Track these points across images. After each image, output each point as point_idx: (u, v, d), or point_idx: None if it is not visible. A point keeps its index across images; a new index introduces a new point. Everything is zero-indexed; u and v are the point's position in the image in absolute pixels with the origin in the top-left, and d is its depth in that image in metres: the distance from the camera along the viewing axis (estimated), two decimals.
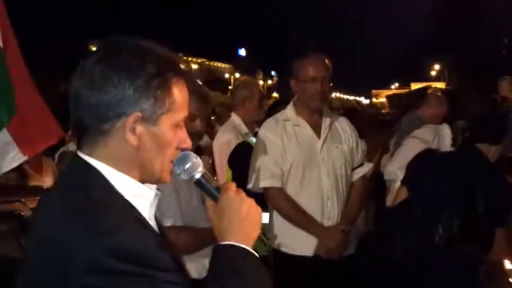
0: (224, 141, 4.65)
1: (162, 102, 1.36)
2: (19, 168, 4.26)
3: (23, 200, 3.97)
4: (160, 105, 1.36)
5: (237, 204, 1.46)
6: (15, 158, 3.22)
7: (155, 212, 1.50)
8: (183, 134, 1.44)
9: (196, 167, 1.51)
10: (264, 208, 3.57)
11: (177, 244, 2.39)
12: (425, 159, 3.30)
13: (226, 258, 1.41)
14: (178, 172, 1.50)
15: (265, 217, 3.69)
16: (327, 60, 3.59)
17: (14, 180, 4.52)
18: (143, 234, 1.31)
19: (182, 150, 1.48)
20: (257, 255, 1.44)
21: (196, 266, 2.46)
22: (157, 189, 1.50)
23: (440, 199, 3.02)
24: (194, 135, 2.95)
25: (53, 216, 1.31)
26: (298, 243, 3.47)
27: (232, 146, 4.41)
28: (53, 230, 1.28)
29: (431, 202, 3.03)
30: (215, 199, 1.50)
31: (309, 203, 3.47)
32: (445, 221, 2.95)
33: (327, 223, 3.47)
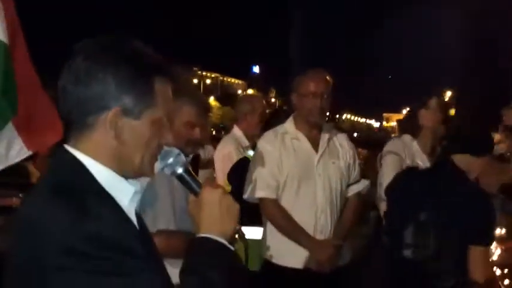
0: (225, 153, 4.72)
1: (143, 98, 1.42)
2: (21, 166, 4.31)
3: (20, 195, 4.04)
4: (142, 100, 1.42)
5: (216, 199, 1.53)
6: (20, 152, 3.28)
7: (140, 210, 1.54)
8: (165, 130, 1.49)
9: (179, 162, 1.58)
10: (259, 223, 3.65)
11: (168, 247, 2.44)
12: (403, 178, 3.28)
13: (204, 251, 1.48)
14: (161, 167, 1.56)
15: (259, 232, 3.73)
16: (328, 77, 3.65)
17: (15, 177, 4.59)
18: (120, 224, 1.36)
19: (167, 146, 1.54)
20: (233, 248, 1.51)
21: None
22: (149, 190, 1.56)
23: (413, 217, 2.98)
24: (192, 143, 3.01)
25: (34, 201, 1.37)
26: (290, 255, 3.51)
27: (233, 158, 4.47)
28: (32, 214, 1.33)
29: (404, 220, 3.01)
30: (196, 194, 1.57)
31: (302, 216, 3.50)
32: (418, 239, 2.93)
33: (319, 237, 3.51)
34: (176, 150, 1.58)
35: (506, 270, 3.45)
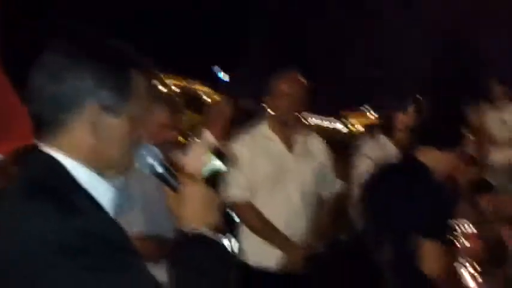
0: (196, 160, 4.66)
1: (120, 94, 1.37)
2: None
3: None
4: (119, 96, 1.37)
5: (198, 193, 1.55)
6: None
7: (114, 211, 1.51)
8: (142, 128, 1.45)
9: (156, 159, 1.55)
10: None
11: (141, 250, 2.39)
12: (373, 176, 3.25)
13: (194, 245, 1.49)
14: (138, 164, 1.52)
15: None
16: (301, 78, 3.64)
17: None
18: (107, 221, 1.32)
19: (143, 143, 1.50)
20: (218, 239, 1.53)
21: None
22: (124, 192, 1.52)
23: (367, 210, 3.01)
24: (165, 144, 2.97)
25: (8, 204, 1.30)
26: (264, 255, 3.50)
27: (203, 163, 4.41)
28: (10, 217, 1.27)
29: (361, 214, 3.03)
30: (175, 190, 1.56)
31: (276, 217, 3.50)
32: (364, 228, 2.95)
33: (294, 237, 3.51)
34: (153, 148, 1.55)
35: (470, 266, 3.49)
